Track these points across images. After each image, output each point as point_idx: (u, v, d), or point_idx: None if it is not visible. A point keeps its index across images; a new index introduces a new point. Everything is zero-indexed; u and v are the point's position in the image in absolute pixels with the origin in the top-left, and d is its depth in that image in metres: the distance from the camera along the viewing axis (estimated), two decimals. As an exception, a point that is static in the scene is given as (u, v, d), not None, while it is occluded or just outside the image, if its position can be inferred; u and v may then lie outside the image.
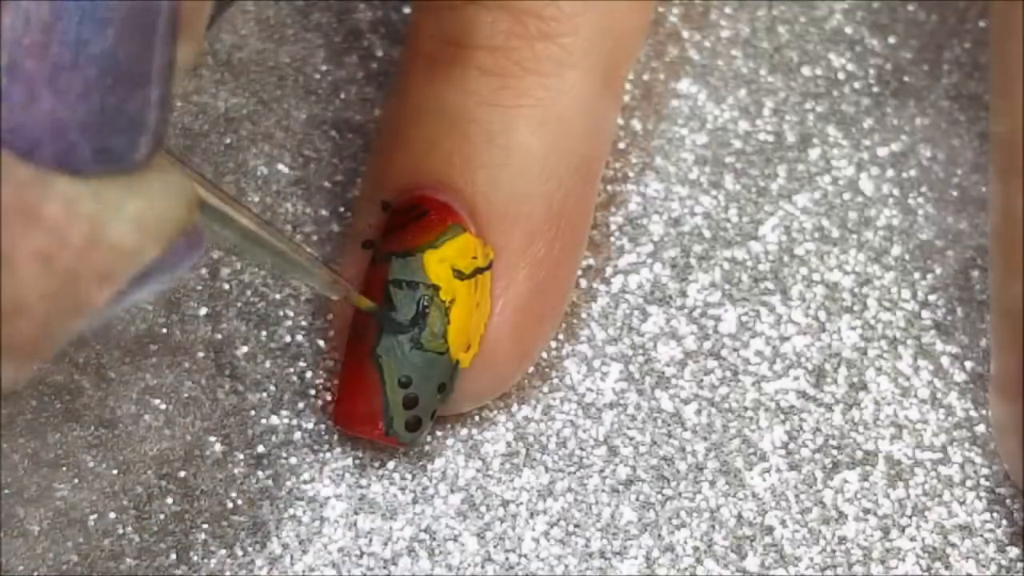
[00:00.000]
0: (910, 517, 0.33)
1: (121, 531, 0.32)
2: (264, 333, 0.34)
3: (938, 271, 0.35)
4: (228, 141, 0.36)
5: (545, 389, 0.34)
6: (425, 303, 0.31)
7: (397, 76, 0.33)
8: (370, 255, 0.32)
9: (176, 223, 0.22)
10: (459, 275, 0.31)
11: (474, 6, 0.32)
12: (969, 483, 0.33)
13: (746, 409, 0.34)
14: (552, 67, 0.32)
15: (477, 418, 0.33)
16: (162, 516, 0.32)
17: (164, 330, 0.34)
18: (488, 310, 0.32)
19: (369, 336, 0.31)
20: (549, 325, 0.33)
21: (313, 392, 0.34)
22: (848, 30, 0.38)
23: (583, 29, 0.32)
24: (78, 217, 0.20)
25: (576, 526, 0.32)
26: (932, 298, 0.35)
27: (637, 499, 0.33)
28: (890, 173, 0.36)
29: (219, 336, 0.34)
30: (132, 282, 0.22)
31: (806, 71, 0.38)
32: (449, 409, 0.32)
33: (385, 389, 0.31)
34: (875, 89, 0.38)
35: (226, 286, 0.35)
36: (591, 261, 0.35)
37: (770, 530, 0.32)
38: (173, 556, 0.32)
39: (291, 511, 0.32)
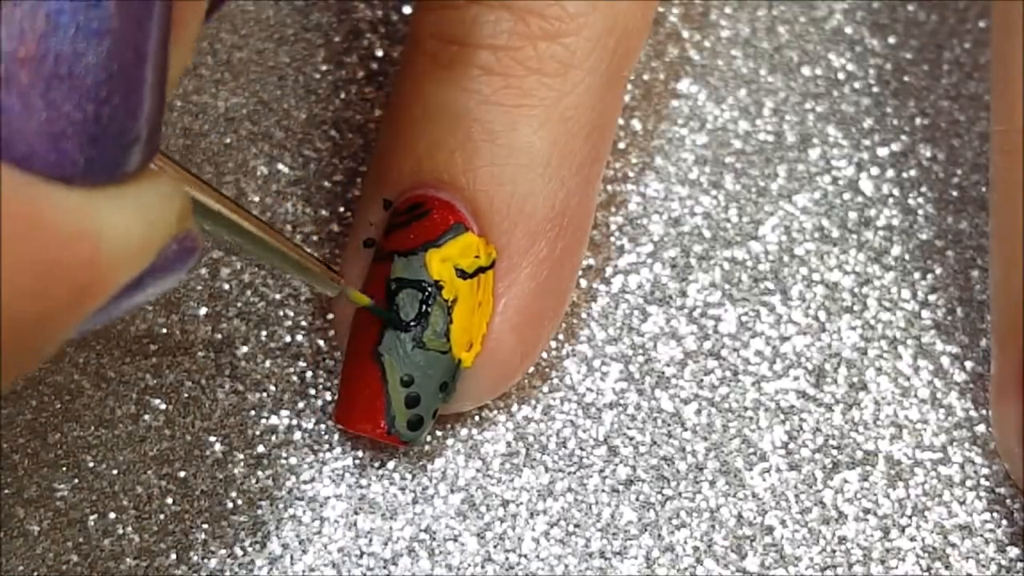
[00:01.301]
0: (910, 517, 0.33)
1: (121, 531, 0.32)
2: (264, 333, 0.34)
3: (938, 271, 0.35)
4: (228, 141, 0.36)
5: (545, 389, 0.34)
6: (427, 302, 0.31)
7: (398, 75, 0.33)
8: (371, 254, 0.32)
9: (167, 231, 0.22)
10: (461, 274, 0.31)
11: (477, 5, 0.32)
12: (969, 483, 0.33)
13: (746, 409, 0.34)
14: (555, 67, 0.32)
15: (477, 418, 0.33)
16: (162, 516, 0.32)
17: (164, 330, 0.34)
18: (490, 309, 0.32)
19: (371, 334, 0.31)
20: (551, 324, 0.33)
21: (313, 392, 0.34)
22: (848, 30, 0.38)
23: (586, 29, 0.32)
24: (70, 226, 0.21)
25: (576, 526, 0.32)
26: (932, 298, 0.35)
27: (637, 499, 0.33)
28: (890, 173, 0.36)
29: (219, 336, 0.34)
30: (125, 288, 0.22)
31: (806, 71, 0.38)
32: (451, 408, 0.32)
33: (387, 388, 0.31)
34: (875, 89, 0.38)
35: (226, 286, 0.35)
36: (591, 261, 0.35)
37: (770, 530, 0.32)
38: (173, 556, 0.32)
39: (291, 511, 0.32)
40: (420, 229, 0.31)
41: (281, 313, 0.34)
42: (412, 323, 0.31)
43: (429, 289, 0.31)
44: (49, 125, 0.20)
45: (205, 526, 0.32)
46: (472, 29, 0.32)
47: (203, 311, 0.34)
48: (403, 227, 0.32)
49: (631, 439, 0.33)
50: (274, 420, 0.33)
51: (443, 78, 0.32)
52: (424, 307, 0.31)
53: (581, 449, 0.33)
